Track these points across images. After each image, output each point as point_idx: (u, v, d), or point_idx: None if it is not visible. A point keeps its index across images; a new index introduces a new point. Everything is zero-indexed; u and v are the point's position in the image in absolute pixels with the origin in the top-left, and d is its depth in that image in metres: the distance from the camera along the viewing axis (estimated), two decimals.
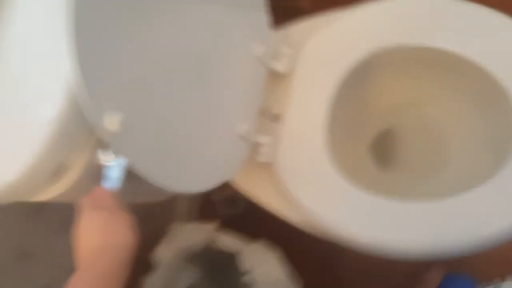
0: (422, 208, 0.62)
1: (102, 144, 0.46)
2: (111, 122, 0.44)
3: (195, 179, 0.58)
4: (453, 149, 0.78)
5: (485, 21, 0.65)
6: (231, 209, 1.03)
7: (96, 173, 0.47)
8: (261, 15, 0.70)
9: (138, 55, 0.48)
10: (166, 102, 0.53)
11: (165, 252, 0.83)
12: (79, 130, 0.46)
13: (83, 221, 0.42)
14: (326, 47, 0.72)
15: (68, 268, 0.40)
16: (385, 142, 0.84)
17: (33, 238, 0.67)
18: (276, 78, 0.75)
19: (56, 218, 0.67)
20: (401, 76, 0.78)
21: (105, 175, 0.46)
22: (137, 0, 0.47)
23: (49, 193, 0.49)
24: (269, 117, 0.75)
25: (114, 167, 0.46)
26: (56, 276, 0.58)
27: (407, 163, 0.82)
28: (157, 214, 0.90)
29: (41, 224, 0.68)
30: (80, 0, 0.40)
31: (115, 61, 0.45)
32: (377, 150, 0.85)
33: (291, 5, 1.05)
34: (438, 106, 0.79)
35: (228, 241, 0.84)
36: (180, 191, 0.55)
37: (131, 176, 0.47)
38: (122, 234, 0.42)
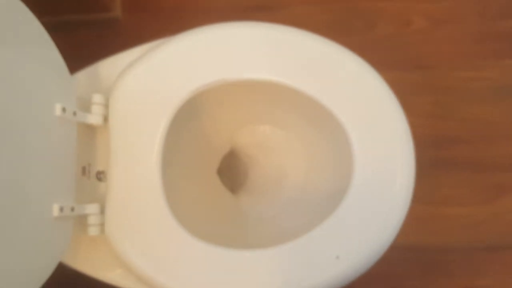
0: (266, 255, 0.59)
1: None
2: None
3: None
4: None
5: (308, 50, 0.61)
6: None
7: None
8: (57, 64, 0.57)
9: None
10: None
11: None
12: None
13: None
14: (143, 88, 0.62)
15: None
16: (231, 167, 0.80)
17: None
18: (93, 129, 0.64)
19: None
20: (231, 102, 0.72)
21: None
22: None
23: None
24: (94, 176, 0.64)
25: None
26: None
27: (251, 185, 0.79)
28: None
29: None
30: None
31: None
32: (227, 176, 0.80)
33: (104, 18, 0.91)
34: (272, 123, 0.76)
35: None
36: None
37: None
38: None
